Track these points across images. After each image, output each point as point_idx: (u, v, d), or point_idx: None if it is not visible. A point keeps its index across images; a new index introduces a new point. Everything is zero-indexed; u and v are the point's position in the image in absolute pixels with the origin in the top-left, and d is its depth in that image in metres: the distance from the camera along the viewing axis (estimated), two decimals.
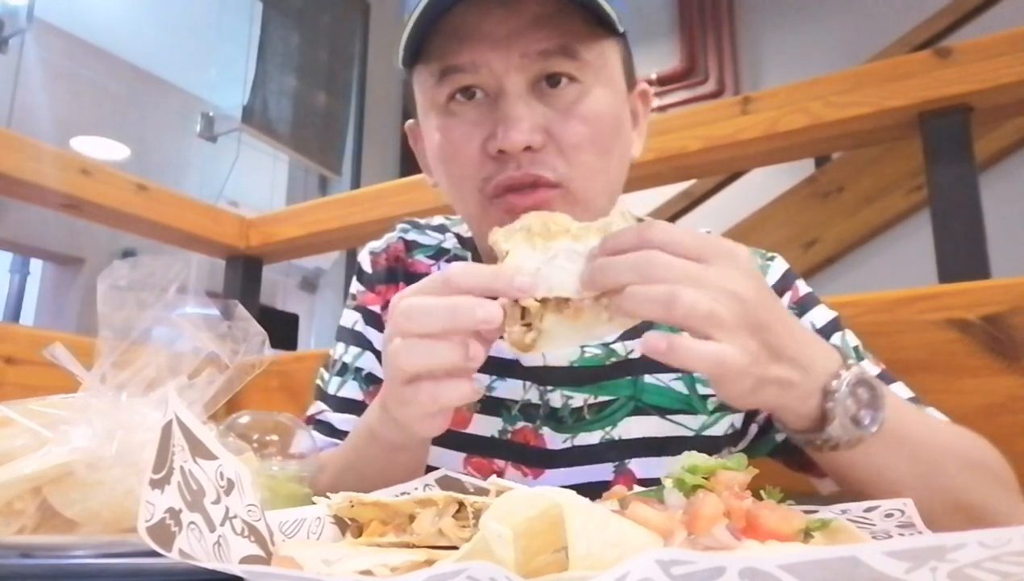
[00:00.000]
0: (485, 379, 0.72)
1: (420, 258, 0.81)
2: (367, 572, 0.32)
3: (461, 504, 0.39)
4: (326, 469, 0.62)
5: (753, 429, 0.74)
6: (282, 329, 4.54)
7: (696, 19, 4.44)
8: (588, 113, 0.62)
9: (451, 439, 0.71)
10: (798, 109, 1.24)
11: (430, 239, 0.82)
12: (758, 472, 0.38)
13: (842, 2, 3.96)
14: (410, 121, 0.75)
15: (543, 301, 0.49)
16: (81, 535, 0.39)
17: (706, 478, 0.36)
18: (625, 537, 0.28)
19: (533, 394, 0.71)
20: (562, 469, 0.70)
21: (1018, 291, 0.88)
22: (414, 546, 0.39)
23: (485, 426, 0.72)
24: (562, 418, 0.71)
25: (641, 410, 0.70)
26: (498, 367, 0.72)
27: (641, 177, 1.47)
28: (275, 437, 0.59)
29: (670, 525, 0.31)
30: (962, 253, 1.07)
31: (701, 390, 0.71)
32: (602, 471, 0.70)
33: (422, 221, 0.86)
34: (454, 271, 0.50)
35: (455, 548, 0.35)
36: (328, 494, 0.44)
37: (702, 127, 1.32)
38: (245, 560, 0.35)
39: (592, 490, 0.65)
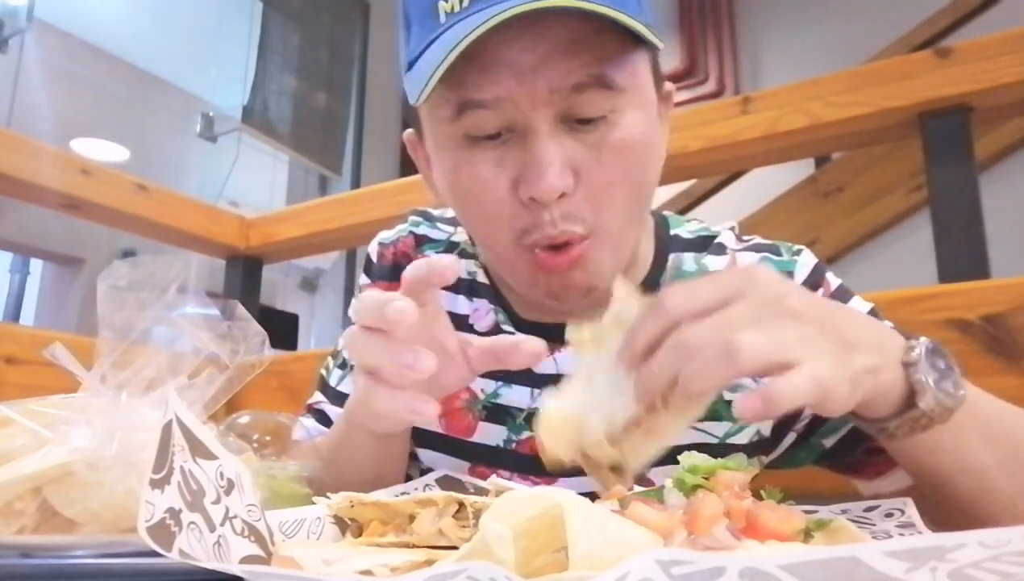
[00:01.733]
0: (491, 385, 0.69)
1: (429, 253, 0.77)
2: (367, 572, 0.32)
3: (461, 504, 0.39)
4: (318, 451, 0.62)
5: (790, 438, 0.69)
6: (282, 329, 4.54)
7: (696, 19, 4.43)
8: (622, 145, 0.57)
9: (456, 447, 0.69)
10: (798, 109, 1.24)
11: (440, 233, 0.79)
12: (758, 472, 0.38)
13: (842, 2, 3.96)
14: (409, 131, 0.69)
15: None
16: (81, 535, 0.39)
17: (706, 478, 0.36)
18: (625, 537, 0.28)
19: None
20: (576, 478, 0.62)
21: (1018, 291, 0.88)
22: (414, 546, 0.39)
23: (490, 435, 0.69)
24: None
25: None
26: (504, 373, 0.68)
27: None
28: (275, 437, 0.59)
29: (670, 525, 0.31)
30: (962, 253, 1.07)
31: (727, 395, 0.64)
32: None
33: (435, 212, 0.82)
34: (409, 268, 0.51)
35: (455, 548, 0.35)
36: (328, 494, 0.45)
37: (702, 127, 1.32)
38: (245, 560, 0.35)
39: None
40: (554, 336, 0.59)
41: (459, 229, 0.79)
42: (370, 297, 0.49)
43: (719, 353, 0.40)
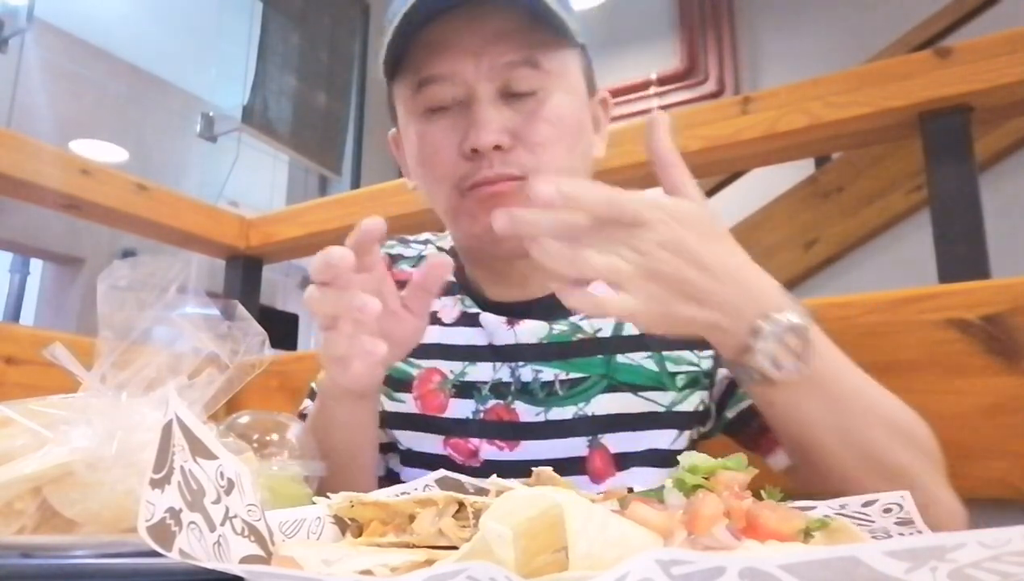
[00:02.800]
0: (459, 366, 0.77)
1: (403, 267, 0.86)
2: (367, 572, 0.32)
3: (461, 504, 0.39)
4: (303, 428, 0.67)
5: (713, 408, 0.77)
6: (282, 329, 4.54)
7: (696, 19, 4.44)
8: (551, 115, 0.68)
9: (430, 424, 0.77)
10: (798, 109, 1.24)
11: (412, 251, 0.88)
12: (758, 472, 0.38)
13: (842, 2, 3.96)
14: (392, 130, 0.81)
15: None
16: (81, 535, 0.39)
17: (706, 478, 0.36)
18: (625, 537, 0.28)
19: (504, 372, 0.76)
20: (537, 441, 0.74)
21: (1018, 291, 0.88)
22: (414, 546, 0.39)
23: (460, 409, 0.76)
24: (533, 391, 0.75)
25: (614, 387, 0.74)
26: (469, 354, 0.77)
27: (641, 177, 1.47)
28: (275, 437, 0.59)
29: (670, 525, 0.31)
30: (962, 253, 1.07)
31: (670, 368, 0.74)
32: (576, 445, 0.73)
33: (410, 237, 0.91)
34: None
35: (455, 548, 0.35)
36: (328, 494, 0.45)
37: (702, 127, 1.32)
38: (245, 560, 0.35)
39: (567, 463, 0.72)
40: (515, 312, 0.76)
41: (429, 246, 0.89)
42: (317, 257, 0.57)
43: (571, 255, 0.48)
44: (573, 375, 0.74)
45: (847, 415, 0.57)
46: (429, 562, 0.34)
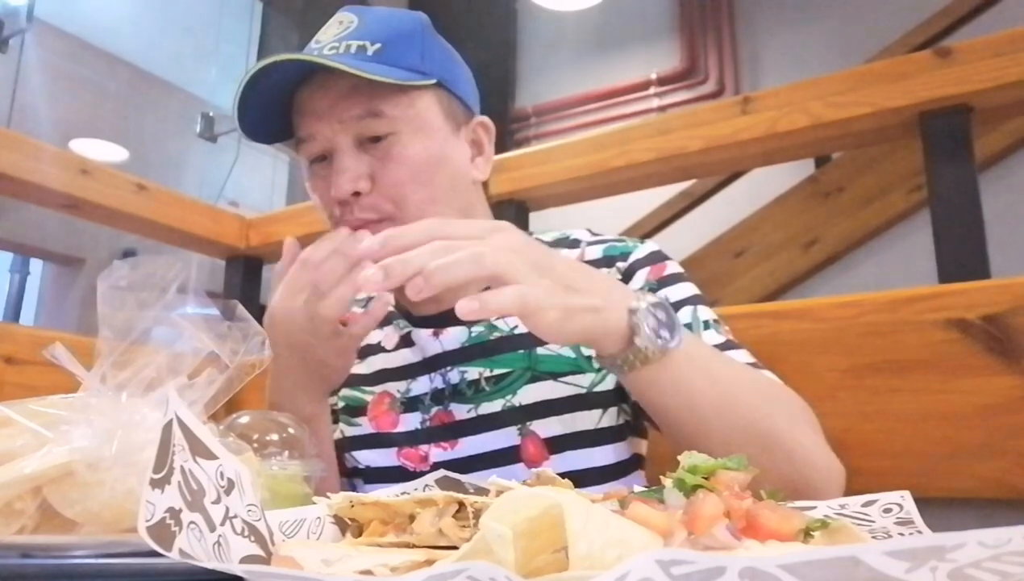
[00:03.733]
0: (403, 385, 0.84)
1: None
2: (367, 572, 0.32)
3: (461, 504, 0.39)
4: None
5: None
6: None
7: (696, 19, 4.44)
8: (403, 157, 0.76)
9: (383, 440, 0.84)
10: (798, 109, 1.24)
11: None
12: (758, 472, 0.38)
13: (842, 2, 3.96)
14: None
15: None
16: (81, 535, 0.39)
17: (706, 478, 0.36)
18: (625, 537, 0.28)
19: (438, 380, 0.82)
20: (472, 437, 0.80)
21: (1018, 291, 0.88)
22: (414, 546, 0.39)
23: (409, 422, 0.83)
24: (463, 391, 0.81)
25: (537, 377, 0.79)
26: (408, 371, 0.84)
27: (641, 177, 1.47)
28: (275, 437, 0.59)
29: (670, 525, 0.31)
30: (962, 253, 1.07)
31: (586, 351, 0.80)
32: (508, 435, 0.78)
33: None
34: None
35: (455, 548, 0.35)
36: (328, 494, 0.45)
37: (702, 127, 1.32)
38: (245, 560, 0.35)
39: (501, 454, 0.79)
40: (440, 322, 0.83)
41: None
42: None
43: (470, 256, 0.52)
44: (498, 371, 0.80)
45: (720, 385, 0.62)
46: (429, 562, 0.34)
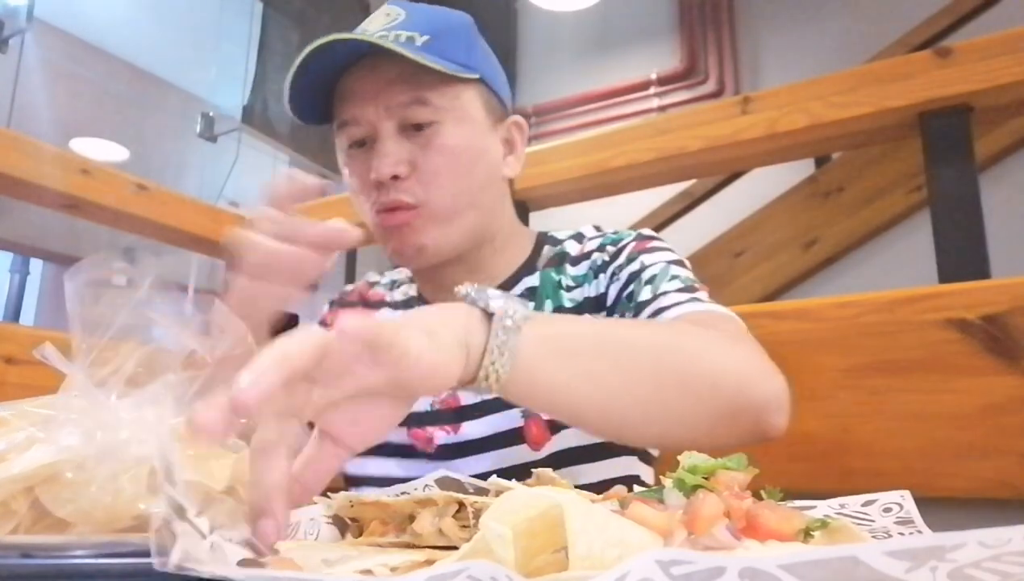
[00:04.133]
0: None
1: (376, 290, 0.99)
2: (367, 572, 0.32)
3: (461, 504, 0.39)
4: None
5: None
6: (282, 329, 4.53)
7: (696, 19, 4.43)
8: (444, 146, 0.78)
9: None
10: (798, 109, 1.24)
11: (387, 279, 1.01)
12: (758, 472, 0.38)
13: (842, 2, 3.96)
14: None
15: None
16: (75, 535, 0.39)
17: (706, 478, 0.36)
18: (625, 537, 0.28)
19: None
20: (475, 421, 0.81)
21: (1018, 291, 0.88)
22: (414, 546, 0.39)
23: (420, 403, 0.82)
24: None
25: None
26: None
27: (641, 177, 1.47)
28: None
29: (670, 525, 0.31)
30: (962, 253, 1.07)
31: None
32: (511, 417, 0.80)
33: (386, 272, 1.04)
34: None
35: (455, 548, 0.35)
36: (328, 494, 0.45)
37: (702, 127, 1.32)
38: (241, 563, 0.35)
39: (506, 436, 0.81)
40: None
41: (401, 275, 1.00)
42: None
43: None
44: None
45: (603, 360, 0.55)
46: (429, 562, 0.34)
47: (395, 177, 0.77)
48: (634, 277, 0.78)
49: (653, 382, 0.56)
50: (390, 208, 0.78)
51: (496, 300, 0.50)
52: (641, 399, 0.56)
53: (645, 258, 0.79)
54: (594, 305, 0.81)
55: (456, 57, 0.78)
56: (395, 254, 0.82)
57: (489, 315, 0.50)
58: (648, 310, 0.72)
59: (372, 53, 0.76)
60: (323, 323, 1.00)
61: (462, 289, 0.52)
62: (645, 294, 0.75)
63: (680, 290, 0.73)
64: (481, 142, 0.81)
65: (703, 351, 0.60)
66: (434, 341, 0.44)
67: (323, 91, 0.81)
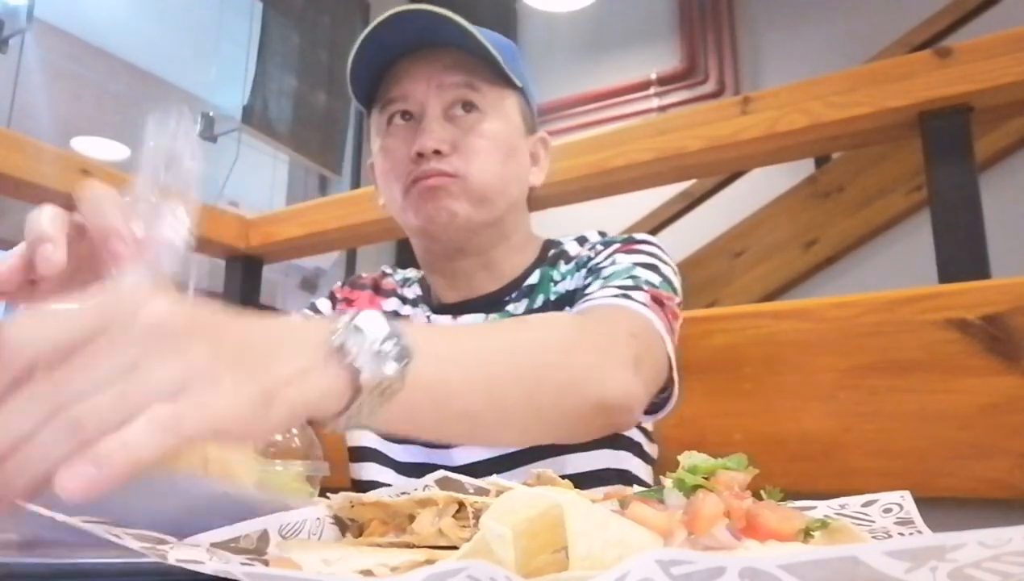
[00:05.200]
0: None
1: (389, 280, 1.02)
2: (367, 572, 0.32)
3: (461, 504, 0.39)
4: None
5: None
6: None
7: (696, 19, 4.43)
8: (485, 131, 0.83)
9: None
10: (798, 109, 1.24)
11: (399, 275, 1.03)
12: (758, 472, 0.38)
13: (842, 2, 3.96)
14: (370, 160, 0.94)
15: None
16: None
17: (706, 478, 0.36)
18: (625, 537, 0.28)
19: None
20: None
21: (1018, 291, 0.88)
22: (414, 546, 0.39)
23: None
24: None
25: None
26: None
27: (641, 177, 1.47)
28: (278, 436, 0.59)
29: (670, 525, 0.31)
30: (962, 253, 1.07)
31: None
32: None
33: (398, 270, 1.07)
34: None
35: (455, 548, 0.35)
36: (328, 495, 0.45)
37: (702, 127, 1.32)
38: (244, 562, 0.35)
39: None
40: (461, 310, 0.89)
41: (412, 272, 1.02)
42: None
43: (60, 434, 0.30)
44: None
45: (478, 384, 0.52)
46: (429, 562, 0.34)
47: (437, 152, 0.81)
48: (597, 274, 0.82)
49: (513, 393, 0.56)
50: (426, 176, 0.82)
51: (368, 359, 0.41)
52: (504, 408, 0.56)
53: (619, 257, 0.82)
54: (569, 299, 0.85)
55: (507, 61, 0.84)
56: (428, 220, 0.83)
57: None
58: (581, 302, 0.77)
59: (430, 44, 0.83)
60: (332, 297, 1.02)
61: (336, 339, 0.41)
62: (593, 287, 0.78)
63: (619, 287, 0.75)
64: (516, 142, 0.87)
65: (552, 355, 0.60)
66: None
67: (375, 75, 0.86)
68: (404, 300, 0.97)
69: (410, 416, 0.47)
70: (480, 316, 0.88)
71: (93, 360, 0.31)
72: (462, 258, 0.88)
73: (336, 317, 0.42)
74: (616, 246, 0.86)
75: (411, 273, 1.03)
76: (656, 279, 0.79)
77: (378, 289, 1.01)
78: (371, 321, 0.42)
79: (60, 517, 0.33)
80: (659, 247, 0.86)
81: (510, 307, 0.88)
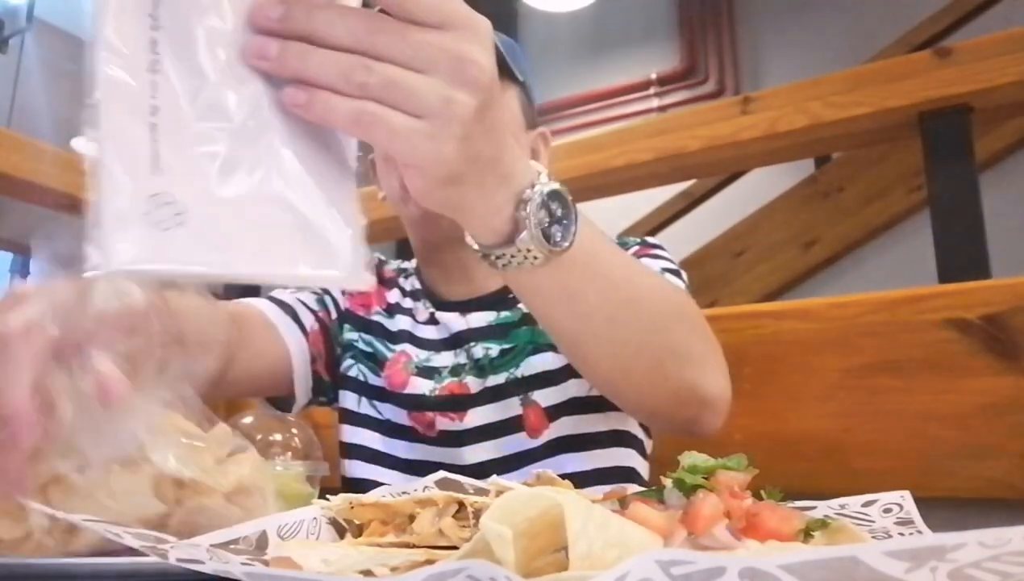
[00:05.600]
0: (423, 354, 0.89)
1: (387, 268, 1.01)
2: (367, 572, 0.32)
3: (461, 504, 0.39)
4: None
5: None
6: None
7: (696, 19, 4.43)
8: None
9: (393, 397, 0.88)
10: (798, 109, 1.24)
11: (394, 265, 1.03)
12: (758, 472, 0.38)
13: (842, 2, 3.96)
14: (371, 154, 0.94)
15: None
16: (86, 543, 0.39)
17: (706, 478, 0.36)
18: (625, 537, 0.28)
19: (462, 356, 0.87)
20: (480, 408, 0.84)
21: (1018, 291, 0.88)
22: (414, 546, 0.39)
23: (418, 386, 0.87)
24: (483, 367, 0.86)
25: (538, 349, 0.84)
26: (433, 346, 0.89)
27: (641, 177, 1.47)
28: (278, 437, 0.60)
29: (670, 525, 0.31)
30: (962, 253, 1.07)
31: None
32: (512, 405, 0.83)
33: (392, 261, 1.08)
34: None
35: (455, 548, 0.35)
36: (328, 496, 0.45)
37: (702, 127, 1.32)
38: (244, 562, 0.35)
39: (507, 424, 0.83)
40: (467, 307, 0.89)
41: (406, 263, 1.02)
42: None
43: (409, 134, 0.39)
44: (507, 345, 0.86)
45: (619, 292, 0.57)
46: (429, 562, 0.34)
47: None
48: None
49: (638, 346, 0.60)
50: None
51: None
52: (619, 354, 0.59)
53: (645, 261, 0.83)
54: None
55: (509, 55, 0.83)
56: (419, 217, 0.86)
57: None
58: None
59: None
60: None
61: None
62: None
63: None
64: (516, 134, 0.86)
65: (687, 337, 0.64)
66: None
67: None
68: (404, 292, 0.96)
69: (535, 287, 0.54)
70: (491, 314, 0.88)
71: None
72: (461, 247, 0.84)
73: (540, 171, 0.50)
74: (636, 249, 0.87)
75: (405, 264, 1.02)
76: (682, 283, 0.82)
77: (380, 278, 1.00)
78: (559, 198, 0.49)
79: (60, 515, 0.33)
80: (667, 251, 0.88)
81: (522, 305, 0.87)
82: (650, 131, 1.40)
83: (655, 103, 4.38)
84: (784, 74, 3.88)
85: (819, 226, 3.32)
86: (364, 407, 0.90)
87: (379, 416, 0.90)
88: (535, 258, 0.49)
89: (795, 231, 3.35)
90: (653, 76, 4.42)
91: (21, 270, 4.44)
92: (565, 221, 0.50)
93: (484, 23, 0.42)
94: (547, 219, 0.49)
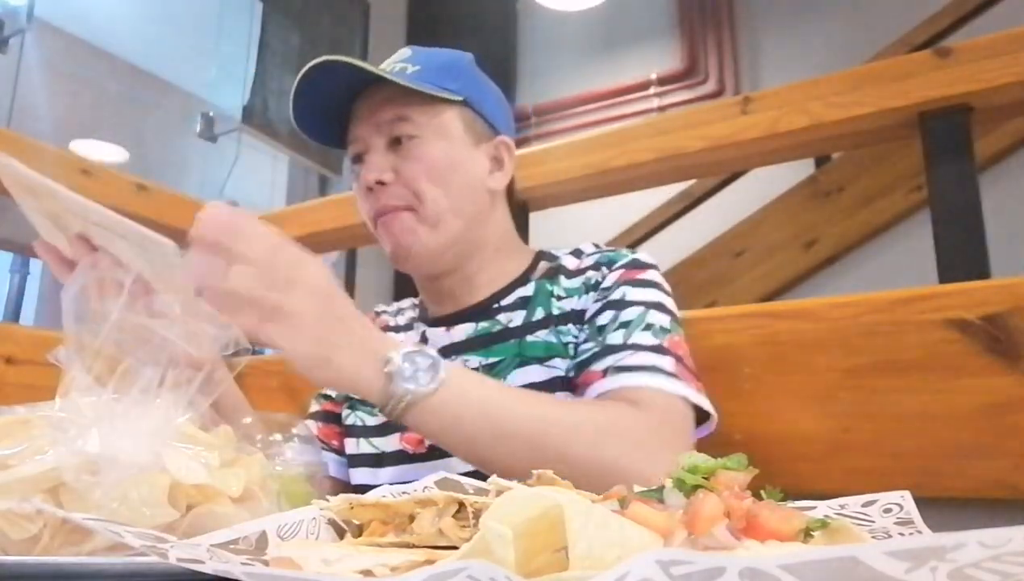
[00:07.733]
0: None
1: (383, 318, 1.08)
2: (367, 572, 0.32)
3: (461, 504, 0.39)
4: None
5: None
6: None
7: (696, 19, 4.43)
8: (423, 157, 0.88)
9: (387, 427, 0.92)
10: (798, 109, 1.24)
11: (393, 307, 1.09)
12: (758, 472, 0.38)
13: (842, 2, 3.95)
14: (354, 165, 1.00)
15: None
16: (91, 548, 0.39)
17: (706, 478, 0.36)
18: (625, 537, 0.28)
19: None
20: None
21: (1018, 291, 0.88)
22: (414, 546, 0.39)
23: None
24: None
25: (524, 362, 0.87)
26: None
27: (641, 177, 1.47)
28: (279, 437, 0.59)
29: (670, 525, 0.31)
30: (962, 253, 1.07)
31: (564, 339, 0.88)
32: None
33: (393, 303, 1.14)
34: None
35: (455, 548, 0.35)
36: (328, 497, 0.45)
37: (702, 127, 1.32)
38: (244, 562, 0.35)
39: None
40: (452, 321, 0.94)
41: (404, 302, 1.10)
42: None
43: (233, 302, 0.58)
44: (492, 359, 0.89)
45: (495, 419, 0.68)
46: (429, 562, 0.33)
47: (380, 182, 0.88)
48: (610, 306, 0.85)
49: (528, 461, 0.64)
50: (382, 212, 0.89)
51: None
52: (513, 469, 0.63)
53: (628, 291, 0.86)
54: (575, 318, 0.88)
55: (442, 84, 0.89)
56: (392, 256, 0.92)
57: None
58: (612, 359, 0.80)
59: (375, 83, 0.88)
60: None
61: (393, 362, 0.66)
62: (615, 338, 0.82)
63: (649, 348, 0.80)
64: (459, 155, 0.90)
65: (588, 449, 0.69)
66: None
67: (337, 117, 0.93)
68: (397, 329, 1.03)
69: (426, 423, 0.68)
70: (471, 325, 0.92)
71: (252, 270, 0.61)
72: (438, 279, 0.94)
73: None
74: (621, 271, 0.88)
75: (405, 302, 1.09)
76: (667, 321, 0.84)
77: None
78: (420, 357, 0.67)
79: (61, 514, 0.34)
80: (656, 269, 0.90)
81: (501, 317, 0.92)
82: (650, 131, 1.40)
83: (655, 103, 4.38)
84: (784, 74, 3.88)
85: (819, 226, 3.32)
86: (363, 447, 0.96)
87: (375, 451, 0.95)
88: (410, 400, 0.65)
89: (795, 231, 3.34)
90: (653, 76, 4.41)
91: (21, 270, 4.44)
92: (430, 367, 0.66)
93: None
94: (412, 369, 0.65)
